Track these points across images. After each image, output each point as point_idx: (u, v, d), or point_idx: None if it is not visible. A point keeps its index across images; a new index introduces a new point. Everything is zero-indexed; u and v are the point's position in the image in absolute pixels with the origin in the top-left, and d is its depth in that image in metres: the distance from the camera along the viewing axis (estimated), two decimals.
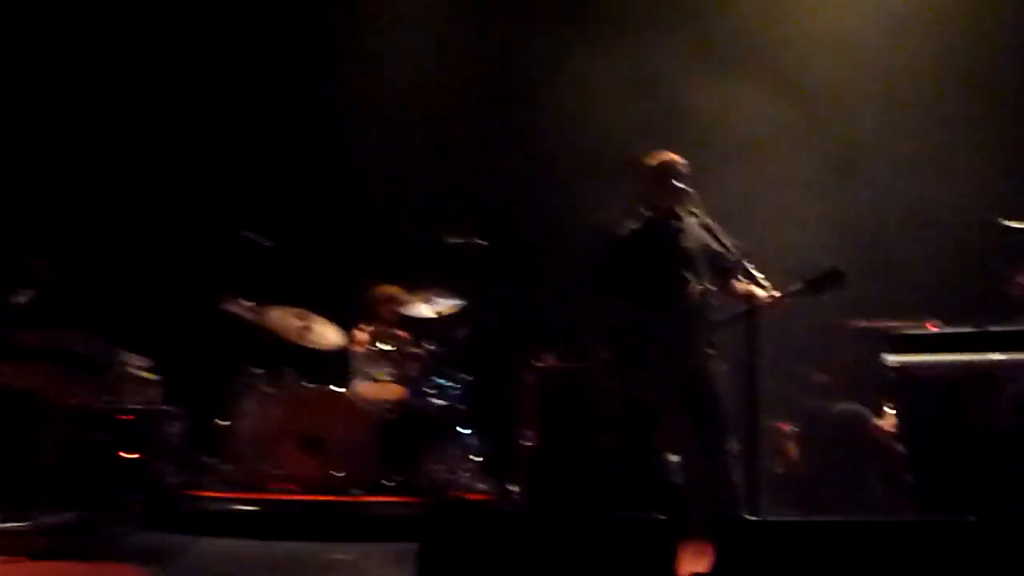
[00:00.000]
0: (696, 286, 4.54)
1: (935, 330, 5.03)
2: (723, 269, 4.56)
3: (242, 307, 6.57)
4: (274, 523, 5.85)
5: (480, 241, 6.80)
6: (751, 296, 4.42)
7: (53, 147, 7.59)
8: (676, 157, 4.73)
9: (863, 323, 6.57)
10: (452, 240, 6.77)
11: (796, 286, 4.18)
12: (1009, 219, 5.36)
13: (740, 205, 5.55)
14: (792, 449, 6.40)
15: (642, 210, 4.73)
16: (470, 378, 6.92)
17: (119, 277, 7.18)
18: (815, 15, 7.53)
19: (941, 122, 7.23)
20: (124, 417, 6.16)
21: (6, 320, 5.98)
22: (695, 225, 4.68)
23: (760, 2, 7.66)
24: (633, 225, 4.75)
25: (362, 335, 6.86)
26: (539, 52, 7.88)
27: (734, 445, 4.41)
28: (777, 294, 4.23)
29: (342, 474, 6.17)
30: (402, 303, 6.89)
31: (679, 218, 4.67)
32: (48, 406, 5.31)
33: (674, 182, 4.63)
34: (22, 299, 6.30)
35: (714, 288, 4.56)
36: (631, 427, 4.66)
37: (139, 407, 6.64)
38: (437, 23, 8.04)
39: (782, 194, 6.88)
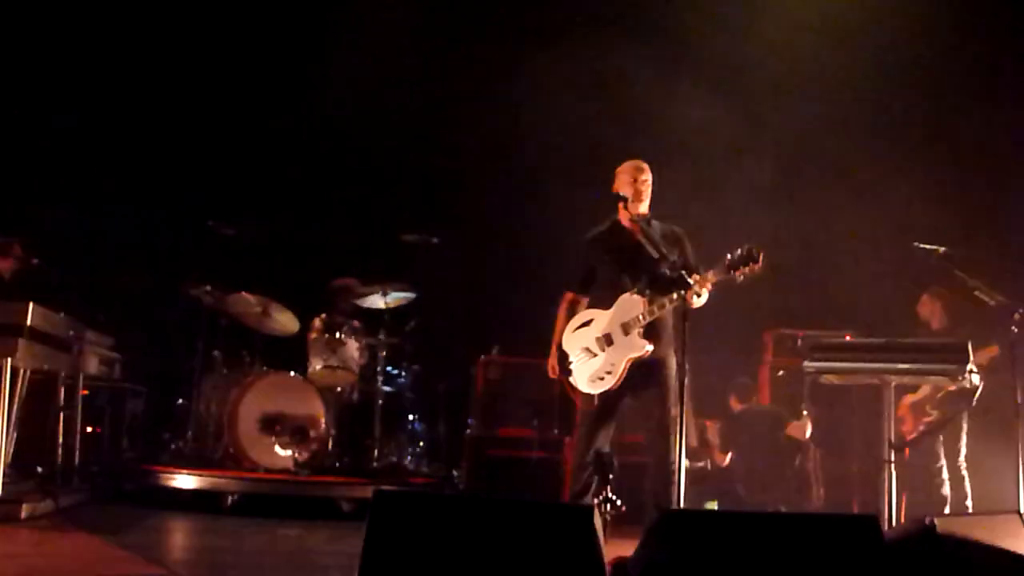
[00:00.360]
0: (631, 287, 4.56)
1: (848, 339, 5.21)
2: (666, 277, 4.48)
3: (203, 292, 6.56)
4: (227, 499, 5.90)
5: (433, 239, 6.86)
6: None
7: (27, 134, 7.49)
8: (636, 164, 4.74)
9: (786, 331, 6.79)
10: (407, 237, 6.83)
11: (717, 267, 4.27)
12: (922, 242, 5.55)
13: (679, 207, 5.62)
14: (716, 445, 6.58)
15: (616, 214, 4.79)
16: (418, 368, 7.01)
17: (85, 258, 7.11)
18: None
19: (870, 147, 7.47)
20: (84, 392, 6.16)
21: None
22: (659, 231, 4.65)
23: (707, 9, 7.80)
24: (600, 227, 4.82)
25: (318, 323, 6.89)
26: (492, 58, 7.93)
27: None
28: (699, 277, 4.29)
29: (295, 454, 6.21)
30: (357, 295, 6.93)
31: (643, 223, 4.64)
32: (12, 379, 5.25)
33: (624, 189, 4.67)
34: None
35: (655, 292, 4.49)
36: (582, 420, 4.68)
37: (100, 383, 6.63)
38: (404, 34, 8.08)
39: (721, 199, 7.01)
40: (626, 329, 4.45)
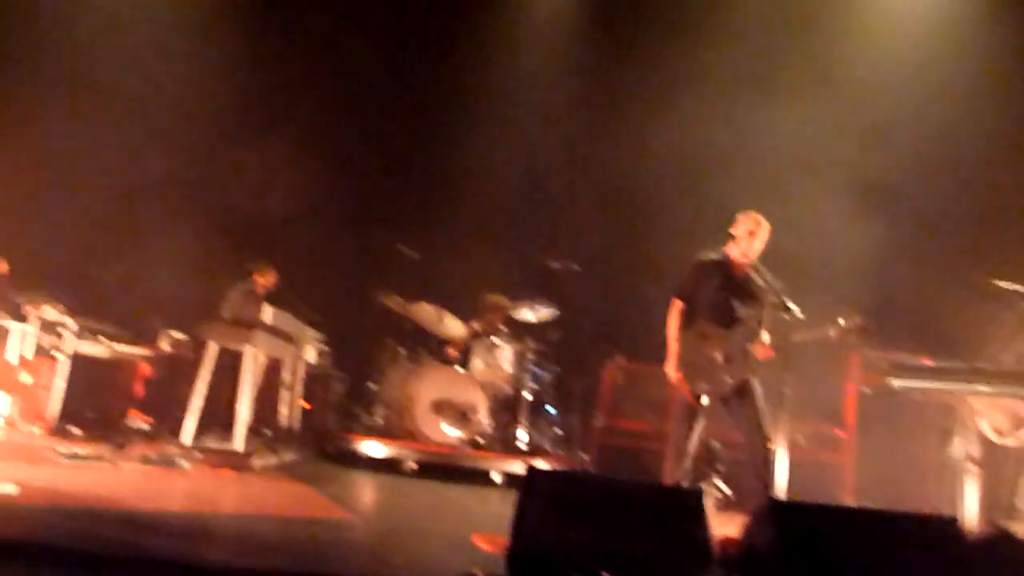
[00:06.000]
0: (741, 313, 4.43)
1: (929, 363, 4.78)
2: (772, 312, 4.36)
3: (393, 301, 6.71)
4: (405, 464, 5.97)
5: (574, 266, 6.82)
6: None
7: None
8: (757, 217, 4.56)
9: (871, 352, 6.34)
10: (553, 264, 6.82)
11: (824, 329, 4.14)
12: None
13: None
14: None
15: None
16: (557, 369, 6.94)
17: (308, 274, 7.35)
18: None
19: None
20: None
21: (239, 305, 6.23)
22: (754, 275, 4.50)
23: None
24: (712, 255, 4.66)
25: (476, 329, 6.92)
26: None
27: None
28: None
29: (459, 433, 6.23)
30: (509, 309, 6.89)
31: (753, 262, 4.51)
32: (253, 363, 5.49)
33: (741, 231, 4.51)
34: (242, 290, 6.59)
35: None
36: (684, 418, 4.54)
37: (313, 368, 6.85)
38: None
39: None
40: (745, 352, 4.29)
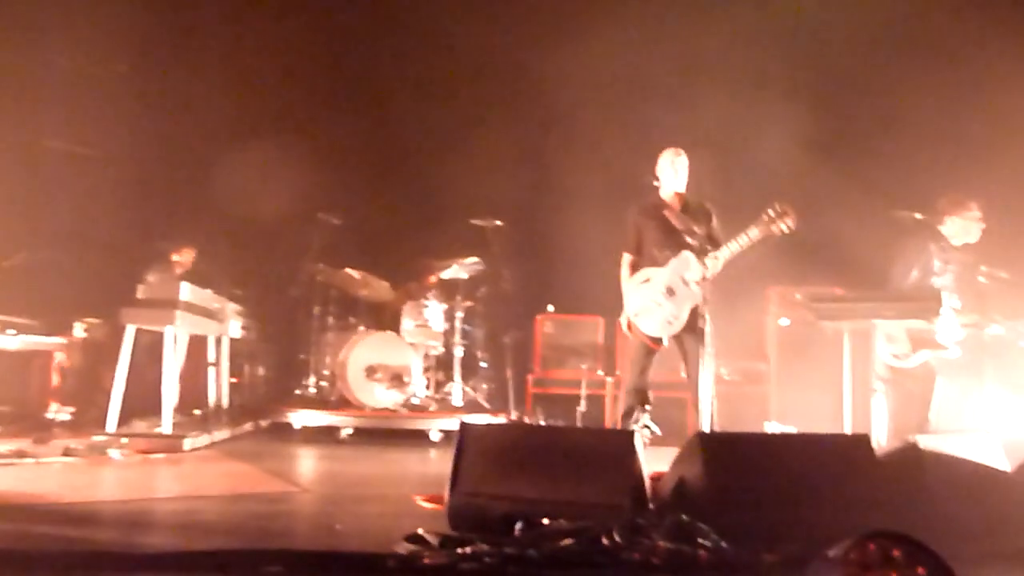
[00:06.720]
0: (671, 253, 4.55)
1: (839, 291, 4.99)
2: (695, 248, 4.45)
3: (317, 270, 6.61)
4: (341, 432, 5.97)
5: (496, 222, 6.84)
6: None
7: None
8: (675, 150, 4.68)
9: (787, 287, 6.58)
10: (475, 221, 6.83)
11: (758, 225, 4.27)
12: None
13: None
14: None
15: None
16: (488, 325, 7.00)
17: (229, 249, 7.14)
18: None
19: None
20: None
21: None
22: (692, 207, 4.64)
23: None
24: (645, 201, 4.77)
25: (407, 291, 6.90)
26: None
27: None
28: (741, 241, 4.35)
29: (393, 395, 6.24)
30: (438, 269, 6.90)
31: (677, 201, 4.65)
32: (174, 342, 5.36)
33: (663, 171, 4.65)
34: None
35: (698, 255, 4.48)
36: (637, 362, 4.69)
37: (240, 343, 6.72)
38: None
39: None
40: (687, 283, 4.41)
